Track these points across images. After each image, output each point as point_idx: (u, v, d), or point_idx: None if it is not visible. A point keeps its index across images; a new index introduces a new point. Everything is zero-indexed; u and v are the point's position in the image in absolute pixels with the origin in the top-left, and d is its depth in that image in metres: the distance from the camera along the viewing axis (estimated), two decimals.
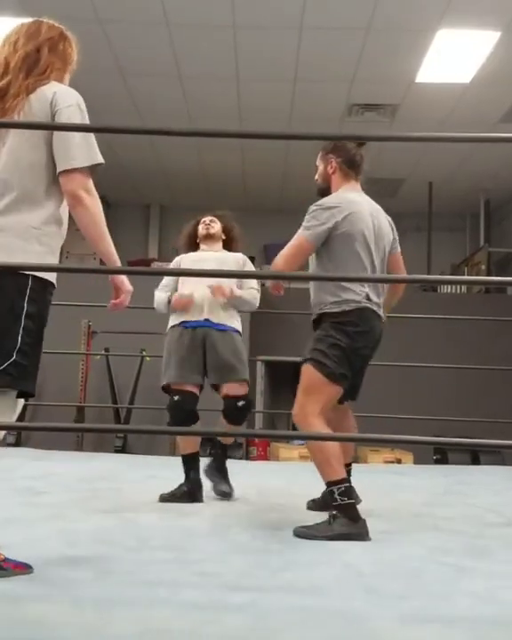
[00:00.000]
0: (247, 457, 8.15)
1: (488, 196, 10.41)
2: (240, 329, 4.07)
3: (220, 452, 4.06)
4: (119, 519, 3.21)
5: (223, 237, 4.30)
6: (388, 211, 3.60)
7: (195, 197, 10.73)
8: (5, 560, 2.24)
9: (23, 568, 2.26)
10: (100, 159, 2.36)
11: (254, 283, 4.16)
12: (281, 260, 3.22)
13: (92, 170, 2.35)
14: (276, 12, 5.92)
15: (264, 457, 8.35)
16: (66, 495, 3.83)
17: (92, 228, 2.34)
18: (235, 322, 4.03)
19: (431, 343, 8.09)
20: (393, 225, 3.53)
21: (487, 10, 5.81)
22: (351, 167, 3.40)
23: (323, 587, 2.27)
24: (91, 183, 2.34)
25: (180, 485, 3.91)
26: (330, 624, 1.93)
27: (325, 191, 3.44)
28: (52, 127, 2.29)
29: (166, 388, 3.93)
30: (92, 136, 2.35)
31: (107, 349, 7.68)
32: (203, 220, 4.32)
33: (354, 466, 3.64)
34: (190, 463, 3.93)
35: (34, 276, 2.26)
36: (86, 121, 2.38)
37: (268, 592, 2.19)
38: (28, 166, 2.30)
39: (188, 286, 4.00)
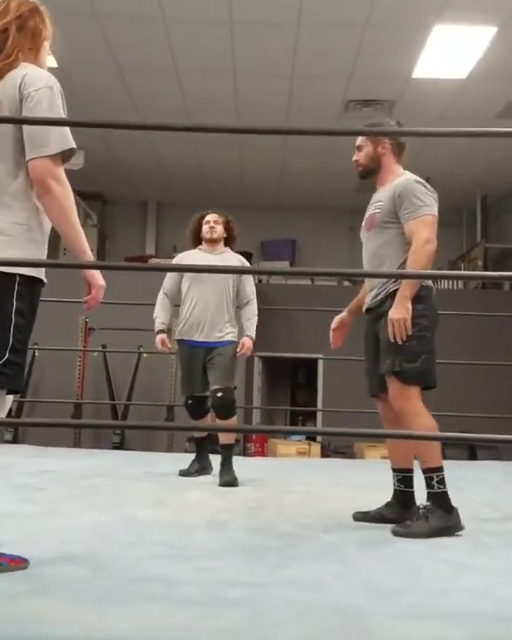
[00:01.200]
0: (244, 453, 8.15)
1: (485, 191, 10.41)
2: (235, 338, 4.60)
3: (220, 452, 4.56)
4: (117, 515, 3.21)
5: (224, 236, 4.71)
6: None
7: (192, 194, 10.71)
8: (0, 555, 2.23)
9: (19, 562, 2.25)
10: (71, 144, 2.24)
11: (253, 294, 4.66)
12: (429, 247, 3.09)
13: (65, 158, 2.26)
14: (273, 7, 5.91)
15: (261, 453, 8.36)
16: (63, 491, 3.83)
17: (61, 217, 2.23)
18: (230, 334, 4.56)
19: None
20: None
21: (483, 6, 5.80)
22: (400, 149, 3.41)
23: (321, 582, 2.27)
24: (61, 171, 2.23)
25: (193, 462, 4.73)
26: (328, 620, 1.93)
27: (371, 172, 3.40)
28: (47, 122, 2.22)
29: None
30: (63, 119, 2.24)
31: (104, 346, 7.69)
32: (206, 219, 4.68)
33: (350, 461, 3.65)
34: (201, 445, 4.79)
35: (21, 273, 2.20)
36: (58, 102, 2.25)
37: (266, 588, 2.19)
38: (3, 157, 2.23)
39: (190, 299, 4.55)
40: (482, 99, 7.43)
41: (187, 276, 4.59)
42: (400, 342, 3.07)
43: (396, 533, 3.00)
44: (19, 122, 2.22)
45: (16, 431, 7.64)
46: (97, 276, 2.36)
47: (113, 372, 8.05)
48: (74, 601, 1.99)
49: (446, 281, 10.22)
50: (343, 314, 3.59)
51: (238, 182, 10.39)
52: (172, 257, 10.65)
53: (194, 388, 4.60)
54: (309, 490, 4.17)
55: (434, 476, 3.07)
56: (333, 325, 3.58)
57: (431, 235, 3.12)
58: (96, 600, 2.00)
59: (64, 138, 2.23)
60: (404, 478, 3.32)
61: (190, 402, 4.63)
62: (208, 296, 4.50)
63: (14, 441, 7.48)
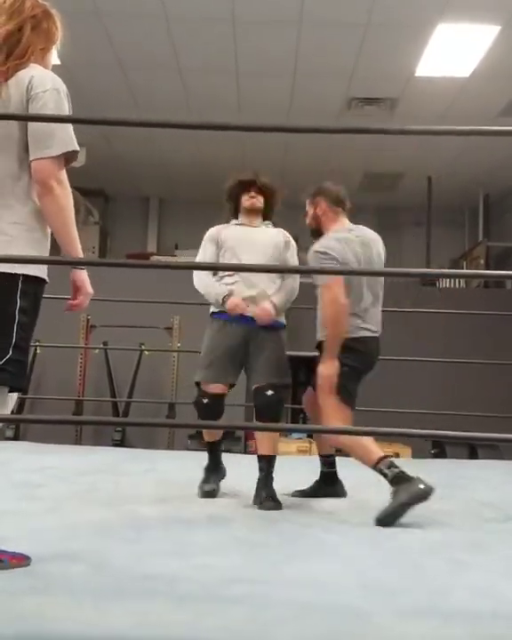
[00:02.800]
0: (246, 451, 8.15)
1: (487, 190, 10.39)
2: (284, 321, 3.98)
3: (263, 467, 3.83)
4: (118, 512, 3.21)
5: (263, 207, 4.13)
6: (386, 205, 3.67)
7: (194, 191, 10.70)
8: (2, 552, 2.23)
9: (21, 559, 2.26)
10: (74, 146, 2.26)
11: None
12: (333, 317, 3.54)
13: (68, 159, 2.27)
14: (274, 5, 5.90)
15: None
16: (64, 488, 3.82)
17: (59, 219, 2.25)
18: (280, 316, 3.92)
19: (429, 337, 8.09)
20: (382, 254, 3.82)
21: (486, 4, 5.79)
22: (338, 204, 3.80)
23: (321, 580, 2.28)
24: (63, 173, 2.24)
25: (208, 476, 3.91)
26: (328, 618, 1.93)
27: (318, 232, 3.80)
28: (48, 119, 2.22)
29: (198, 384, 3.87)
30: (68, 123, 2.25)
31: (105, 343, 7.68)
32: (252, 194, 4.08)
33: (350, 460, 3.66)
34: (214, 451, 4.01)
35: (24, 272, 2.21)
36: (64, 104, 2.26)
37: (267, 585, 2.19)
38: (7, 158, 2.24)
39: (232, 274, 3.86)
40: (484, 97, 7.41)
41: (227, 248, 3.92)
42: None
43: (379, 522, 3.17)
44: (24, 119, 2.22)
45: (17, 428, 7.64)
46: (87, 283, 2.39)
47: (114, 370, 8.04)
48: (74, 598, 1.99)
49: (448, 280, 10.21)
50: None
51: None
52: (174, 255, 10.73)
53: (223, 375, 3.80)
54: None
55: (381, 466, 3.30)
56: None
57: (333, 296, 3.51)
58: (96, 597, 2.01)
59: (68, 140, 2.24)
60: (326, 462, 3.89)
61: (206, 401, 3.77)
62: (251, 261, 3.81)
63: (15, 438, 7.48)
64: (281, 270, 4.12)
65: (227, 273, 3.88)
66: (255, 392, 3.79)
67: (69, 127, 2.26)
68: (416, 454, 7.30)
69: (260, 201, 4.08)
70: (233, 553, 2.59)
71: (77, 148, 2.28)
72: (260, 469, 3.80)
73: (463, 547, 2.82)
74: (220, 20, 6.15)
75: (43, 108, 2.21)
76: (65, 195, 2.24)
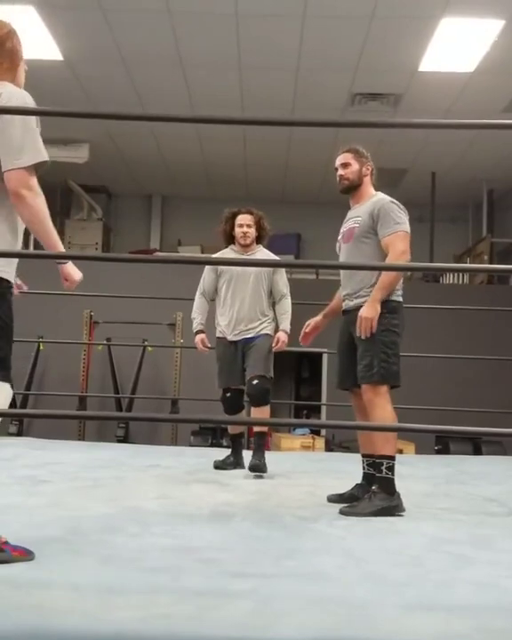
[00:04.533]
0: (248, 447, 8.15)
1: (491, 186, 10.36)
2: (271, 331, 4.75)
3: (256, 438, 4.82)
4: (121, 507, 3.22)
5: (256, 236, 4.82)
6: None
7: (197, 188, 10.70)
8: (6, 543, 2.25)
9: (24, 553, 2.27)
10: (43, 157, 2.37)
11: (286, 289, 4.81)
12: (404, 257, 3.50)
13: (37, 167, 2.37)
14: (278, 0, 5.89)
15: (265, 447, 8.33)
16: (67, 483, 3.83)
17: (36, 224, 2.38)
18: (267, 328, 4.74)
19: (432, 333, 8.08)
20: None
21: None
22: (373, 174, 3.86)
23: (324, 574, 2.28)
24: (33, 181, 2.35)
25: (228, 456, 4.85)
26: (331, 611, 1.93)
27: (353, 188, 3.80)
28: (49, 113, 2.26)
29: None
30: (36, 133, 2.36)
31: (109, 339, 7.69)
32: (239, 221, 4.77)
33: (354, 455, 3.69)
34: (236, 441, 4.99)
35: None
36: (31, 120, 2.36)
37: (270, 579, 2.19)
38: None
39: (228, 298, 4.72)
40: (488, 93, 7.39)
41: (223, 276, 4.73)
42: (363, 337, 3.44)
43: (342, 513, 3.27)
44: (26, 113, 2.25)
45: (21, 424, 7.66)
46: (73, 274, 2.54)
47: (117, 366, 8.06)
48: (78, 591, 2.00)
49: (451, 275, 10.19)
50: (318, 318, 3.99)
51: (242, 176, 10.37)
52: (177, 251, 10.74)
53: (232, 380, 4.73)
54: (313, 483, 4.17)
55: (384, 462, 3.37)
56: (307, 329, 3.98)
57: (406, 247, 3.54)
58: (100, 590, 2.01)
59: (37, 151, 2.36)
60: (372, 463, 3.61)
61: (228, 394, 4.75)
62: (244, 294, 4.67)
63: (19, 434, 7.49)
64: (282, 265, 4.35)
65: (225, 297, 4.72)
66: (247, 382, 4.65)
67: (38, 139, 2.37)
68: (420, 450, 7.30)
69: (251, 233, 4.76)
70: (236, 547, 2.59)
71: (47, 159, 2.38)
72: (255, 443, 4.74)
73: (467, 541, 2.82)
74: (222, 14, 6.13)
75: (10, 122, 2.31)
76: (37, 202, 2.35)
